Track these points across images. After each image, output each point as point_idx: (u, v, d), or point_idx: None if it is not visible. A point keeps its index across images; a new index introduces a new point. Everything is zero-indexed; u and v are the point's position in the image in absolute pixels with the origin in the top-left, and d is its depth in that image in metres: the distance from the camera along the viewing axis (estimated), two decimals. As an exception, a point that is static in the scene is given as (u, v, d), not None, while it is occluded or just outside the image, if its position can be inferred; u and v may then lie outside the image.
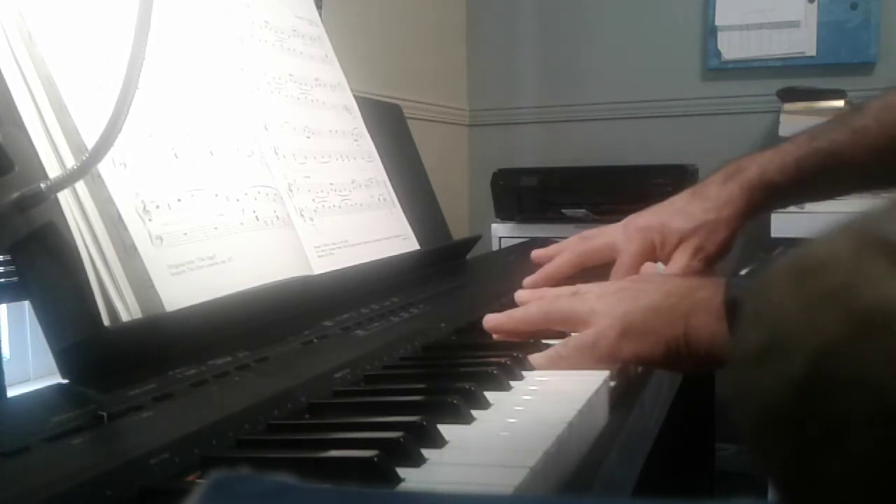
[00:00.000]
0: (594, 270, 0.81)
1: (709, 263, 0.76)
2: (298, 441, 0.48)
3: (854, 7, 2.09)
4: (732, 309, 0.54)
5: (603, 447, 0.52)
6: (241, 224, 0.69)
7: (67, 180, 0.55)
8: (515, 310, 0.69)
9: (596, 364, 0.60)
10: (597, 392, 0.56)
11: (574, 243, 0.83)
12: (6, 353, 0.90)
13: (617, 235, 0.79)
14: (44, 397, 0.49)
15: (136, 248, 0.59)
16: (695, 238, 0.74)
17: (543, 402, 0.54)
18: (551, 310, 0.66)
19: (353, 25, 1.74)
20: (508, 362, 0.60)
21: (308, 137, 0.88)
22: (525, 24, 2.40)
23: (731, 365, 0.27)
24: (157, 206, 0.62)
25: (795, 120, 1.95)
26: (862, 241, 0.24)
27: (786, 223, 1.67)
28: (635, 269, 0.76)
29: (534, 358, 0.62)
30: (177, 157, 0.66)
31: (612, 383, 0.60)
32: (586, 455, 0.50)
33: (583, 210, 1.92)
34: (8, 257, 0.56)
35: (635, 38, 2.30)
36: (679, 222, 0.75)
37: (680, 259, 0.75)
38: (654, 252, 0.77)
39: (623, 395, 0.62)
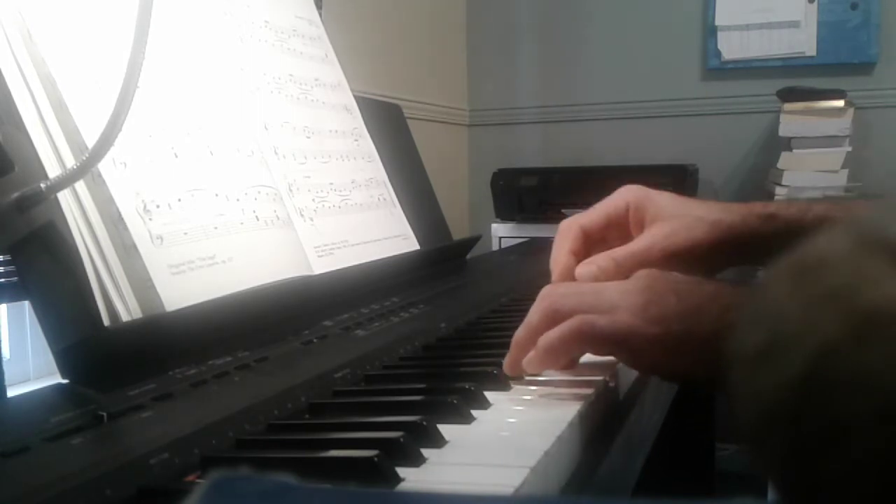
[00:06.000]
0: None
1: (671, 257, 0.65)
2: (298, 441, 0.48)
3: (854, 7, 2.09)
4: None
5: (603, 447, 0.52)
6: (242, 224, 0.69)
7: (67, 180, 0.54)
8: (517, 332, 0.59)
9: (602, 328, 0.53)
10: (596, 395, 0.56)
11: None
12: (6, 353, 0.90)
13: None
14: (44, 397, 0.49)
15: (136, 248, 0.59)
16: (671, 222, 0.65)
17: (543, 402, 0.54)
18: (557, 305, 0.56)
19: (353, 25, 1.74)
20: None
21: (308, 137, 0.88)
22: (525, 24, 2.40)
23: (731, 364, 0.27)
24: (158, 206, 0.62)
25: (795, 120, 1.95)
26: (862, 240, 0.24)
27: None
28: (599, 223, 0.71)
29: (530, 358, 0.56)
30: (177, 156, 0.66)
31: (612, 384, 0.60)
32: (586, 455, 0.50)
33: (583, 210, 1.92)
34: (8, 257, 0.56)
35: (635, 38, 2.30)
36: (664, 201, 0.69)
37: (645, 237, 0.66)
38: (625, 216, 0.69)
39: (623, 399, 0.62)
